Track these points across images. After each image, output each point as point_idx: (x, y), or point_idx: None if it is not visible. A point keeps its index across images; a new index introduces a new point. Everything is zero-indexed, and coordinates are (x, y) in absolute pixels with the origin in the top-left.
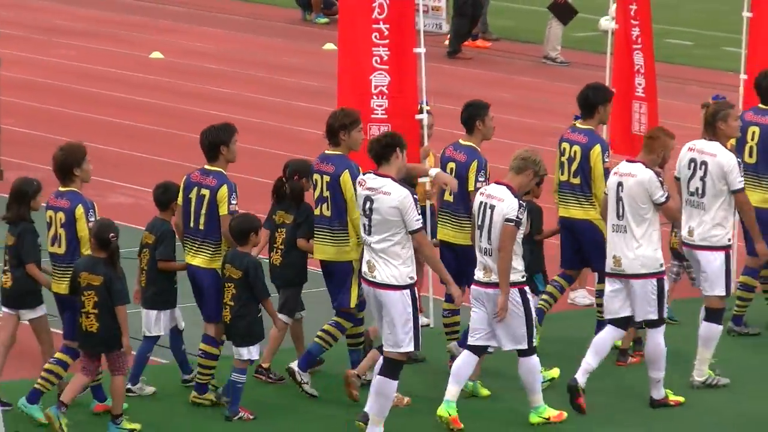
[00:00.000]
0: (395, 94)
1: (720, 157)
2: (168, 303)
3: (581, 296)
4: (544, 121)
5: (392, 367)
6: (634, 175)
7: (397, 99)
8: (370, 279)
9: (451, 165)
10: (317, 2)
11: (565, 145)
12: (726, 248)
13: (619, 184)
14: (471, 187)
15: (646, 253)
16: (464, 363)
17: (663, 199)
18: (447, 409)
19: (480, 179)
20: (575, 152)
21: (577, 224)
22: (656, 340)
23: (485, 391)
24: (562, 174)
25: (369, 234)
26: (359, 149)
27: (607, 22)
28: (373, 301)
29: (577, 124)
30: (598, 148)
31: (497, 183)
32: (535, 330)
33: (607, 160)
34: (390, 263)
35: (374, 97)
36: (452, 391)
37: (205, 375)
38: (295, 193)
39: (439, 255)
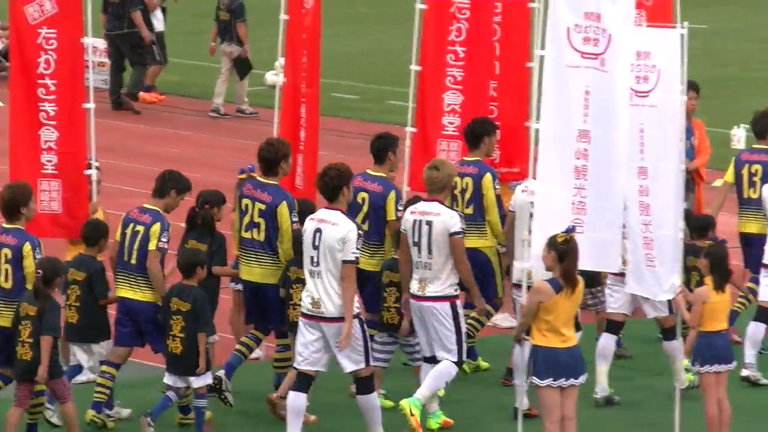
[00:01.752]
0: (64, 149)
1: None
2: (104, 334)
3: (502, 319)
4: (207, 176)
5: (367, 383)
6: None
7: (66, 154)
8: (318, 314)
9: (363, 195)
10: None
11: (456, 178)
12: None
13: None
14: (391, 217)
15: None
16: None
17: None
18: (411, 404)
19: (399, 208)
20: (467, 184)
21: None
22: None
23: (389, 403)
24: (456, 206)
25: (317, 264)
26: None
27: (274, 77)
28: (318, 330)
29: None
30: (488, 176)
31: (425, 200)
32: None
33: (497, 187)
34: (335, 296)
35: (43, 152)
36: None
37: (103, 394)
38: (205, 221)
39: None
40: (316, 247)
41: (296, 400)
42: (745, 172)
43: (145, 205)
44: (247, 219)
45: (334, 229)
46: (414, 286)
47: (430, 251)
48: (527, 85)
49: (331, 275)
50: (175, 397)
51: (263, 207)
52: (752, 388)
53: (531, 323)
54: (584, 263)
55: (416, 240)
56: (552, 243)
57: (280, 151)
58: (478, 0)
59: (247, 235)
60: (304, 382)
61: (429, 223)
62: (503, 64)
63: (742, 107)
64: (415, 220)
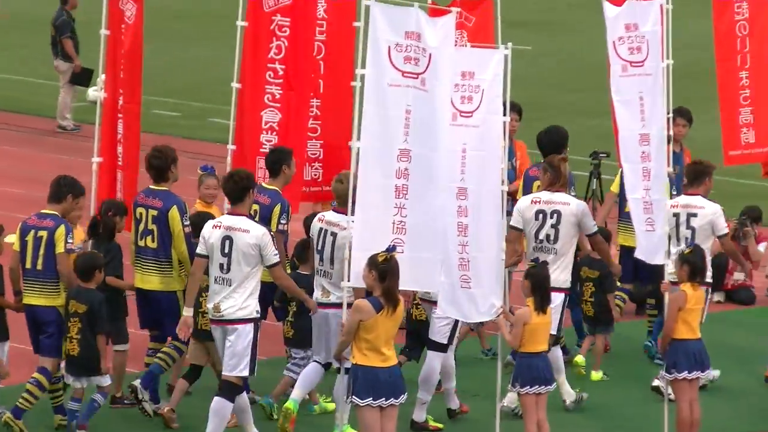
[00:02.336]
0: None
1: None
2: (2, 335)
3: None
4: (30, 191)
5: (231, 390)
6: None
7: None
8: (218, 319)
9: (255, 207)
10: None
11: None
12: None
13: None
14: (273, 228)
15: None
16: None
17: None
18: (292, 405)
19: (282, 221)
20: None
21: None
22: (433, 362)
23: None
24: None
25: (227, 272)
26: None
27: (96, 92)
28: (221, 334)
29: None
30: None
31: (335, 211)
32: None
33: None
34: (240, 300)
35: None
36: (296, 394)
37: (29, 402)
38: (107, 228)
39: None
40: (226, 255)
41: (218, 404)
42: None
43: (43, 211)
44: (141, 227)
45: (247, 236)
46: (317, 294)
47: (332, 261)
48: (351, 104)
49: (241, 281)
50: (100, 398)
51: (155, 213)
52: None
53: (351, 341)
54: (404, 283)
55: (319, 248)
56: (373, 262)
57: (169, 157)
58: (299, 18)
59: (141, 243)
60: (226, 387)
61: (333, 235)
62: (327, 82)
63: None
64: (320, 229)
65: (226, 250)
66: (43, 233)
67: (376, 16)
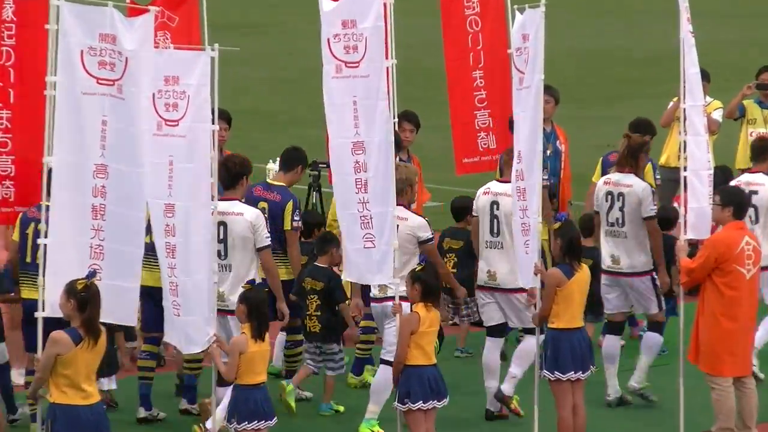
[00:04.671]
0: None
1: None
2: None
3: None
4: None
5: None
6: (509, 195)
7: None
8: (224, 308)
9: (263, 204)
10: None
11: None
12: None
13: (494, 203)
14: (287, 226)
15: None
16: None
17: None
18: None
19: (296, 218)
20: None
21: None
22: (530, 343)
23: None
24: None
25: (225, 258)
26: None
27: None
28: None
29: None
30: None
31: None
32: None
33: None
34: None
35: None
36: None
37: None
38: None
39: None
40: (221, 241)
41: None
42: None
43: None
44: None
45: (241, 219)
46: (374, 289)
47: None
48: (44, 115)
49: (241, 266)
50: None
51: None
52: None
53: (48, 378)
54: (103, 315)
55: None
56: (71, 290)
57: None
58: None
59: (145, 239)
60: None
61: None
62: (18, 92)
63: (264, 138)
64: None
65: (221, 236)
66: (44, 226)
67: (66, 17)
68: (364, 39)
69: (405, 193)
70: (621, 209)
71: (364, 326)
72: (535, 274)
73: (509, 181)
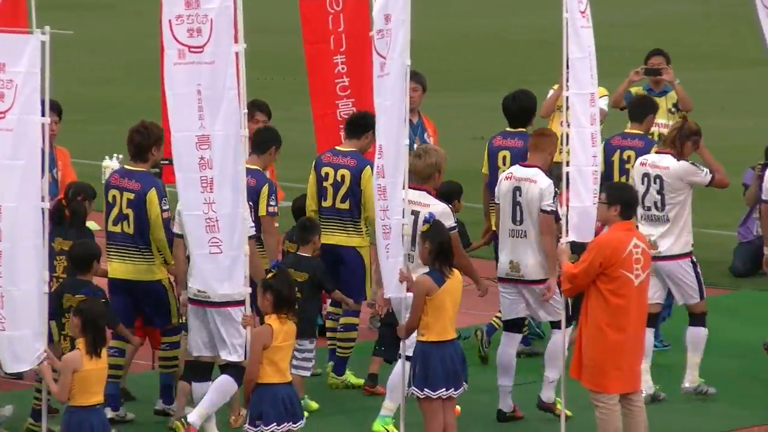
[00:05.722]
0: None
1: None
2: None
3: None
4: None
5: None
6: (534, 181)
7: None
8: (205, 300)
9: (343, 172)
10: None
11: (328, 169)
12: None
13: (516, 188)
14: (263, 212)
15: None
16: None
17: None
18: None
19: (272, 203)
20: (342, 176)
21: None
22: (558, 339)
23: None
24: (326, 200)
25: None
26: None
27: None
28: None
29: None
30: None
31: (412, 188)
32: None
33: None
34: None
35: None
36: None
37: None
38: (77, 214)
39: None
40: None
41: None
42: (616, 158)
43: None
44: (115, 211)
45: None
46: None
47: (414, 243)
48: None
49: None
50: None
51: (132, 196)
52: None
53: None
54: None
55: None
56: None
57: (151, 137)
58: None
59: (116, 228)
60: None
61: (415, 213)
62: None
63: (103, 131)
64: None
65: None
66: None
67: None
68: (209, 21)
69: (433, 179)
70: (659, 192)
71: (345, 323)
72: (401, 281)
73: (535, 166)
